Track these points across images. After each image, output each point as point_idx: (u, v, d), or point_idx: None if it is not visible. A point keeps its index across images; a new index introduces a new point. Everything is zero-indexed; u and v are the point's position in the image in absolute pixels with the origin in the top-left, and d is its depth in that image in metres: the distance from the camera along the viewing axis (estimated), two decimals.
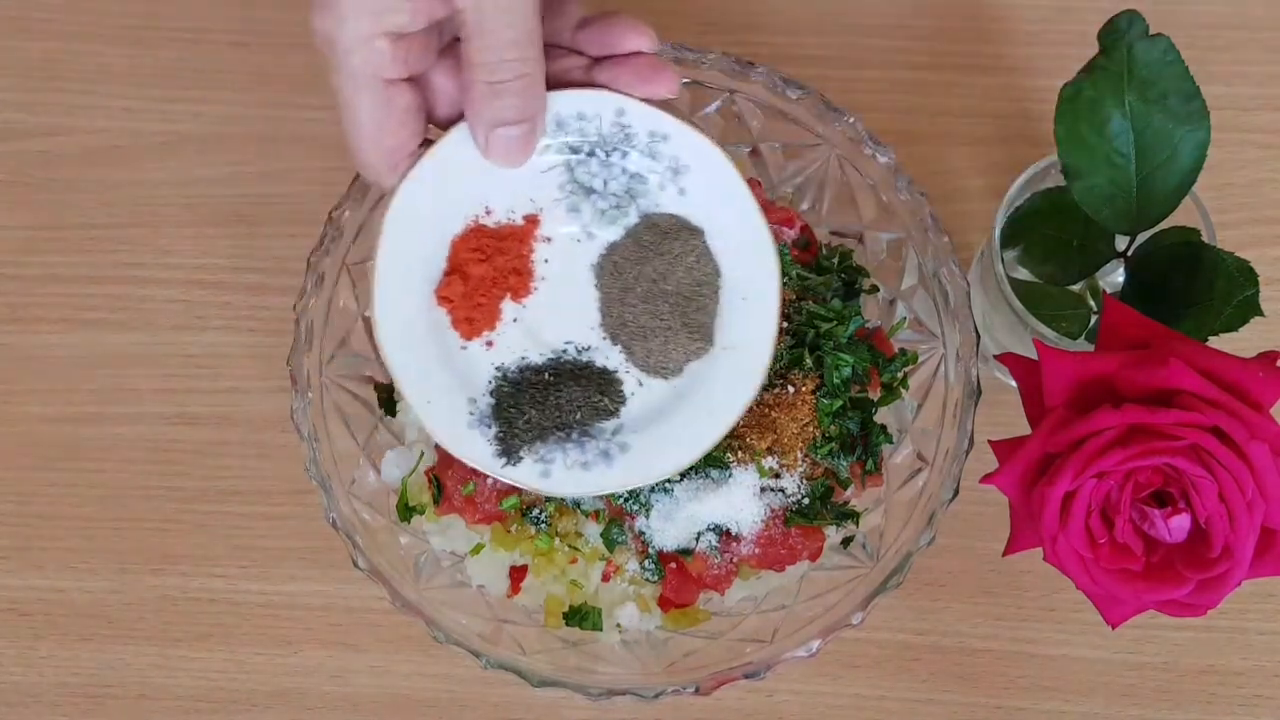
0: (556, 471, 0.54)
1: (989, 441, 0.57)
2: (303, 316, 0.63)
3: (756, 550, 0.62)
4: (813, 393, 0.62)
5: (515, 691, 0.68)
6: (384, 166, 0.51)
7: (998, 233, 0.64)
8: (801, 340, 0.62)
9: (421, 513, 0.65)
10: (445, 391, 0.53)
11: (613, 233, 0.54)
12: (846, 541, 0.66)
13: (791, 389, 0.61)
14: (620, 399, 0.54)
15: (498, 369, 0.54)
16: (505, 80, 0.48)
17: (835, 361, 0.62)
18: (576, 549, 0.63)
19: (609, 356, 0.54)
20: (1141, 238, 0.62)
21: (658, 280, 0.53)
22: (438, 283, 0.53)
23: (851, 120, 0.64)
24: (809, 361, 0.61)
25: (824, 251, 0.66)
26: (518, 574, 0.65)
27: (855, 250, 0.68)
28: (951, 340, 0.64)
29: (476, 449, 0.53)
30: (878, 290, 0.68)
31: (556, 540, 0.63)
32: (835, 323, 0.63)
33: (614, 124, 0.52)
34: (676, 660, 0.63)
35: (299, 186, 0.75)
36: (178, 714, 0.71)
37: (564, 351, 0.54)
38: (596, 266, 0.54)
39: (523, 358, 0.54)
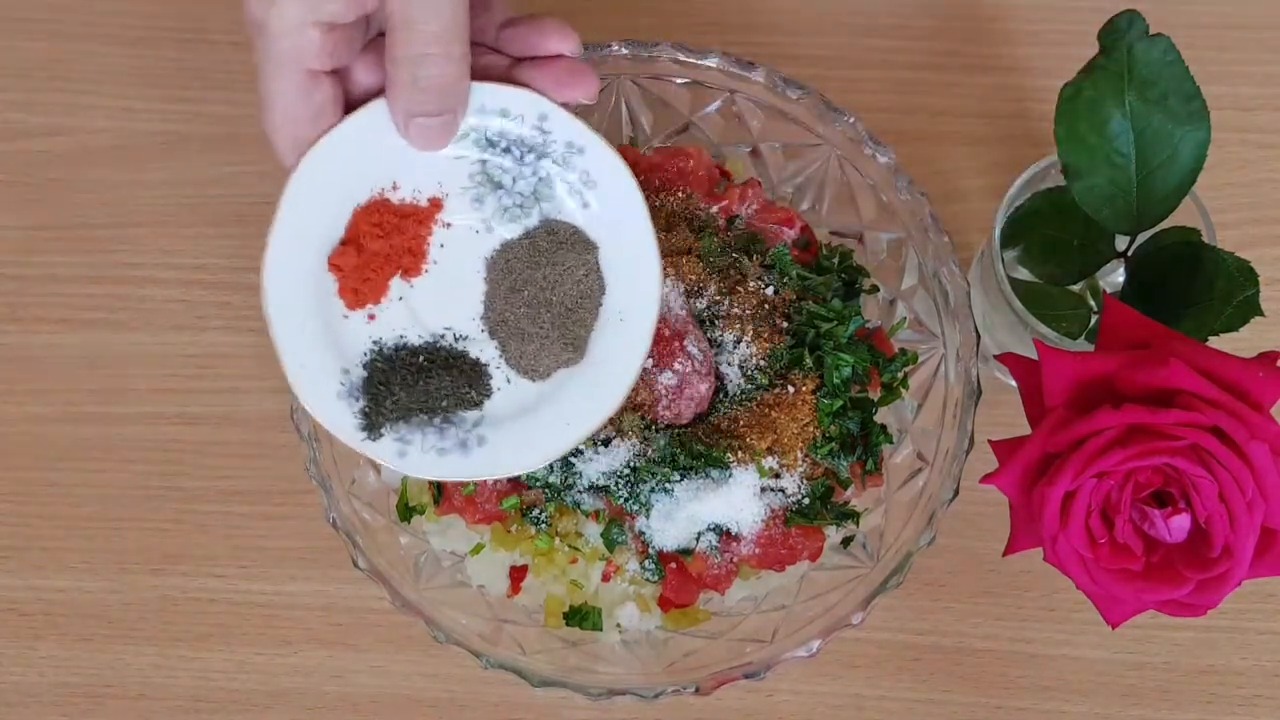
0: (413, 453, 0.54)
1: (989, 441, 0.57)
2: None
3: (756, 550, 0.62)
4: (813, 393, 0.62)
5: (515, 691, 0.68)
6: (290, 154, 0.51)
7: (998, 233, 0.64)
8: (801, 340, 0.62)
9: (421, 513, 0.65)
10: (319, 358, 0.53)
11: (511, 230, 0.54)
12: (846, 541, 0.66)
13: (791, 389, 0.61)
14: (486, 392, 0.55)
15: (375, 343, 0.54)
16: (428, 75, 0.49)
17: (835, 361, 0.62)
18: (576, 549, 0.63)
19: (483, 350, 0.55)
20: (1141, 238, 0.62)
21: (545, 288, 0.54)
22: (331, 249, 0.53)
23: (851, 120, 0.64)
24: (809, 361, 0.61)
25: (824, 251, 0.66)
26: (518, 574, 0.65)
27: (855, 250, 0.68)
28: (952, 340, 0.64)
29: (342, 420, 0.54)
30: (878, 290, 0.68)
31: (556, 540, 0.63)
32: (835, 323, 0.63)
33: (535, 127, 0.52)
34: (676, 660, 0.63)
35: None
36: (178, 714, 0.71)
37: (442, 337, 0.55)
38: (489, 261, 0.55)
39: (401, 336, 0.54)
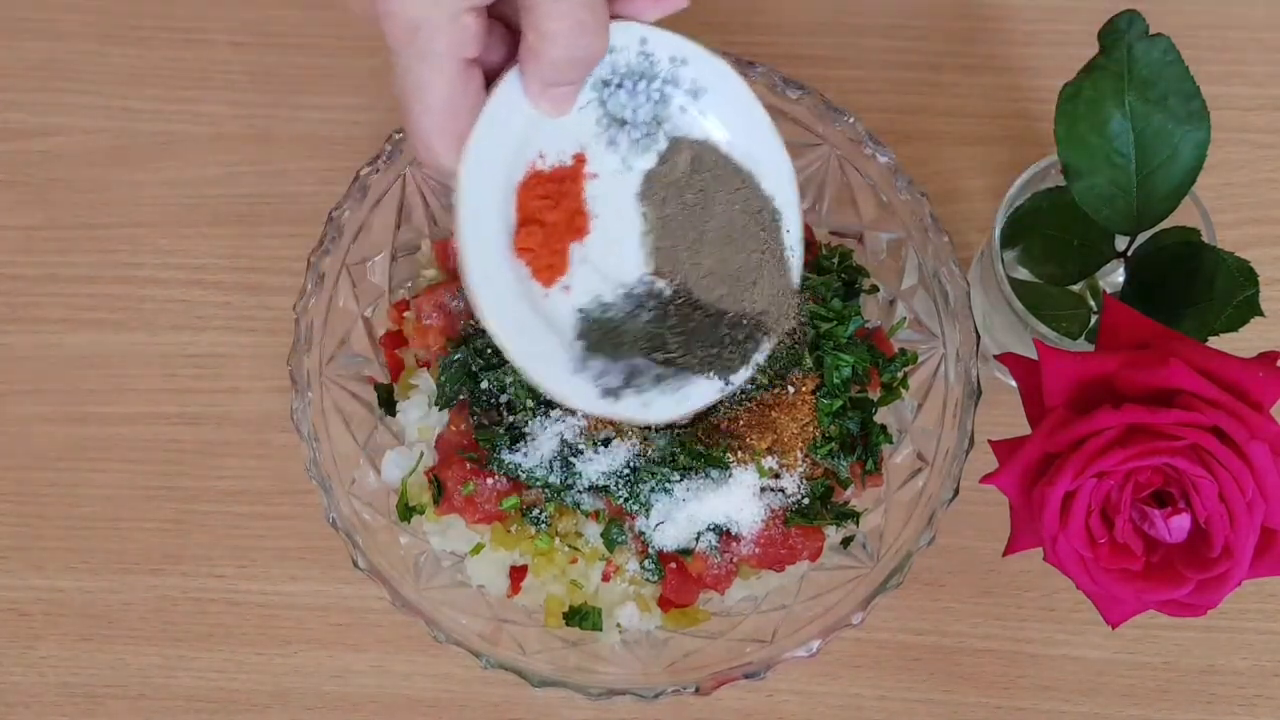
0: (652, 399, 0.55)
1: (989, 441, 0.57)
2: (302, 316, 0.63)
3: (756, 550, 0.62)
4: (813, 393, 0.62)
5: (515, 691, 0.69)
6: (453, 153, 0.50)
7: (998, 233, 0.64)
8: (801, 340, 0.62)
9: (421, 513, 0.65)
10: (542, 343, 0.53)
11: (647, 160, 0.55)
12: (846, 541, 0.66)
13: (791, 389, 0.61)
14: (684, 327, 0.55)
15: (580, 311, 0.54)
16: (578, 48, 0.48)
17: (835, 361, 0.62)
18: (576, 549, 0.63)
19: (666, 285, 0.55)
20: (1141, 238, 0.62)
21: (704, 218, 0.55)
22: (508, 235, 0.53)
23: (851, 120, 0.64)
24: (809, 361, 0.61)
25: (824, 251, 0.66)
26: (518, 574, 0.65)
27: (855, 250, 0.68)
28: (951, 340, 0.64)
29: (581, 392, 0.54)
30: (878, 290, 0.68)
31: (556, 540, 0.63)
32: (835, 323, 0.63)
33: (639, 53, 0.53)
34: (676, 660, 0.63)
35: (299, 186, 0.76)
36: (178, 714, 0.71)
37: (633, 288, 0.55)
38: (640, 196, 0.55)
39: (598, 297, 0.54)
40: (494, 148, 0.51)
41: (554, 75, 0.49)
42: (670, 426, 0.61)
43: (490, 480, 0.61)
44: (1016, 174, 0.65)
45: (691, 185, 0.54)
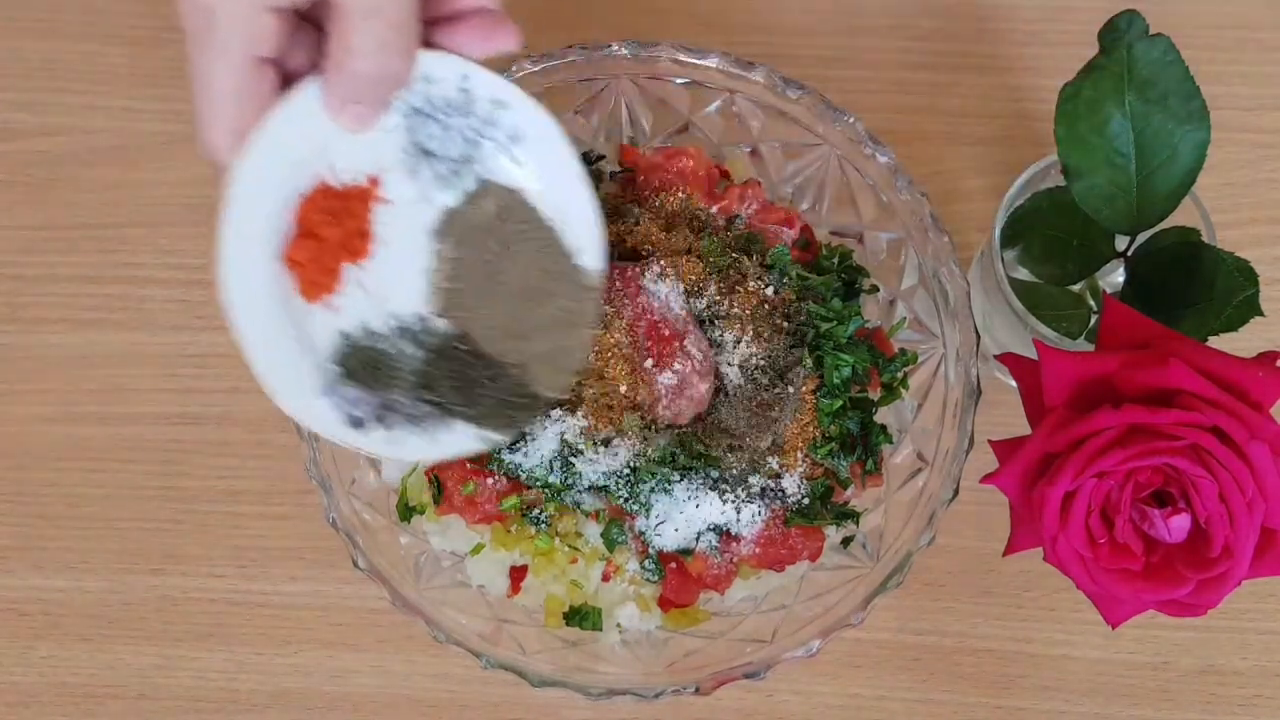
0: (399, 437, 0.54)
1: (989, 441, 0.57)
2: None
3: (756, 550, 0.62)
4: (813, 393, 0.62)
5: (515, 691, 0.68)
6: (229, 148, 0.49)
7: (998, 232, 0.64)
8: (801, 340, 0.62)
9: (421, 513, 0.65)
10: (292, 358, 0.52)
11: (451, 197, 0.54)
12: (846, 541, 0.66)
13: (791, 389, 0.61)
14: (461, 374, 0.54)
15: (344, 335, 0.53)
16: (382, 64, 0.47)
17: (835, 361, 0.62)
18: (576, 549, 0.63)
19: (445, 325, 0.54)
20: (1141, 238, 0.62)
21: (502, 268, 0.54)
22: (281, 244, 0.52)
23: (851, 120, 0.64)
24: (809, 361, 0.61)
25: (824, 251, 0.66)
26: (518, 574, 0.65)
27: (855, 250, 0.68)
28: (951, 340, 0.64)
29: (324, 417, 0.53)
30: (878, 290, 0.68)
31: (556, 540, 0.63)
32: (835, 323, 0.63)
33: (458, 89, 0.51)
34: (677, 660, 0.63)
35: None
36: (178, 714, 0.71)
37: (407, 321, 0.54)
38: (436, 233, 0.54)
39: (365, 324, 0.53)
40: (281, 151, 0.50)
41: (354, 91, 0.48)
42: (670, 426, 0.61)
43: (490, 480, 0.61)
44: (1016, 174, 0.65)
45: (494, 233, 0.53)
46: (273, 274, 0.52)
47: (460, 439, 0.54)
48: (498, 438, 0.55)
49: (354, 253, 0.53)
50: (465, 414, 0.54)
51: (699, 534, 0.61)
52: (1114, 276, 0.67)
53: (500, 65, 0.54)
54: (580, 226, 0.54)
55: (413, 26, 0.47)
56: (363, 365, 0.53)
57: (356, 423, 0.53)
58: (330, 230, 0.52)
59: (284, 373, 0.52)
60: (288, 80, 0.49)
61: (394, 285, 0.53)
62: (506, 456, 0.61)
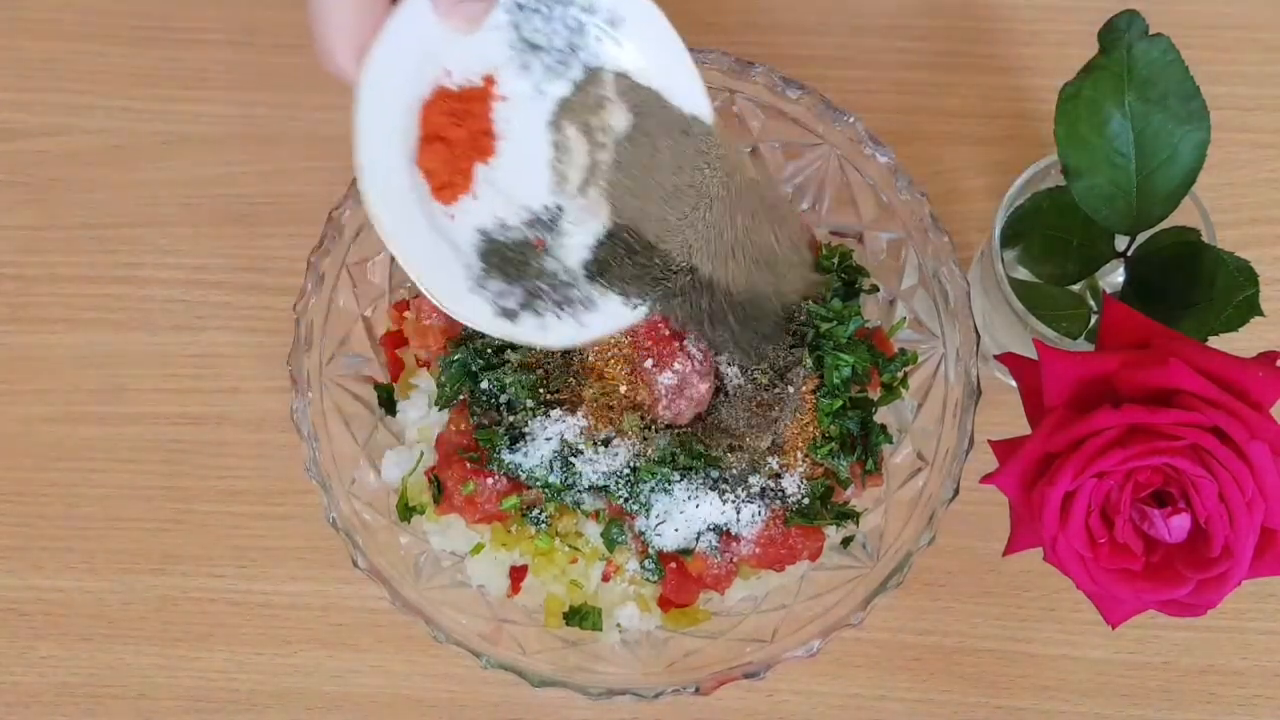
0: (551, 324, 0.55)
1: (989, 441, 0.57)
2: (303, 316, 0.63)
3: (756, 550, 0.62)
4: (813, 393, 0.62)
5: (515, 691, 0.68)
6: (355, 63, 0.50)
7: (998, 232, 0.64)
8: (801, 340, 0.62)
9: (421, 513, 0.65)
10: (439, 259, 0.53)
11: (561, 88, 0.54)
12: (846, 541, 0.66)
13: (791, 388, 0.61)
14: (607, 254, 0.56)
15: (480, 232, 0.54)
16: None
17: (835, 361, 0.62)
18: (576, 549, 0.63)
19: (573, 208, 0.55)
20: (1141, 237, 0.62)
21: (630, 149, 0.55)
22: (413, 152, 0.53)
23: (851, 120, 0.64)
24: (809, 361, 0.61)
25: (824, 251, 0.66)
26: (518, 574, 0.65)
27: (855, 250, 0.68)
28: (951, 340, 0.64)
29: (477, 311, 0.54)
30: (878, 290, 0.68)
31: (556, 540, 0.63)
32: (835, 323, 0.63)
33: None
34: (676, 660, 0.63)
35: (299, 186, 0.75)
36: (178, 714, 0.71)
37: (538, 214, 0.55)
38: (552, 123, 0.55)
39: (501, 220, 0.54)
40: (398, 61, 0.50)
41: None
42: (670, 426, 0.61)
43: (490, 480, 0.61)
44: (1016, 174, 0.65)
45: (610, 116, 0.54)
46: (409, 180, 0.53)
47: (606, 316, 0.56)
48: (644, 307, 0.56)
49: (482, 151, 0.54)
50: (610, 288, 0.56)
51: (699, 534, 0.61)
52: (1114, 276, 0.67)
53: None
54: (686, 95, 0.55)
55: None
56: (503, 258, 0.54)
57: (509, 314, 0.54)
58: (455, 132, 0.53)
59: (436, 274, 0.53)
60: None
61: (522, 178, 0.55)
62: (506, 456, 0.61)
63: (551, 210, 0.55)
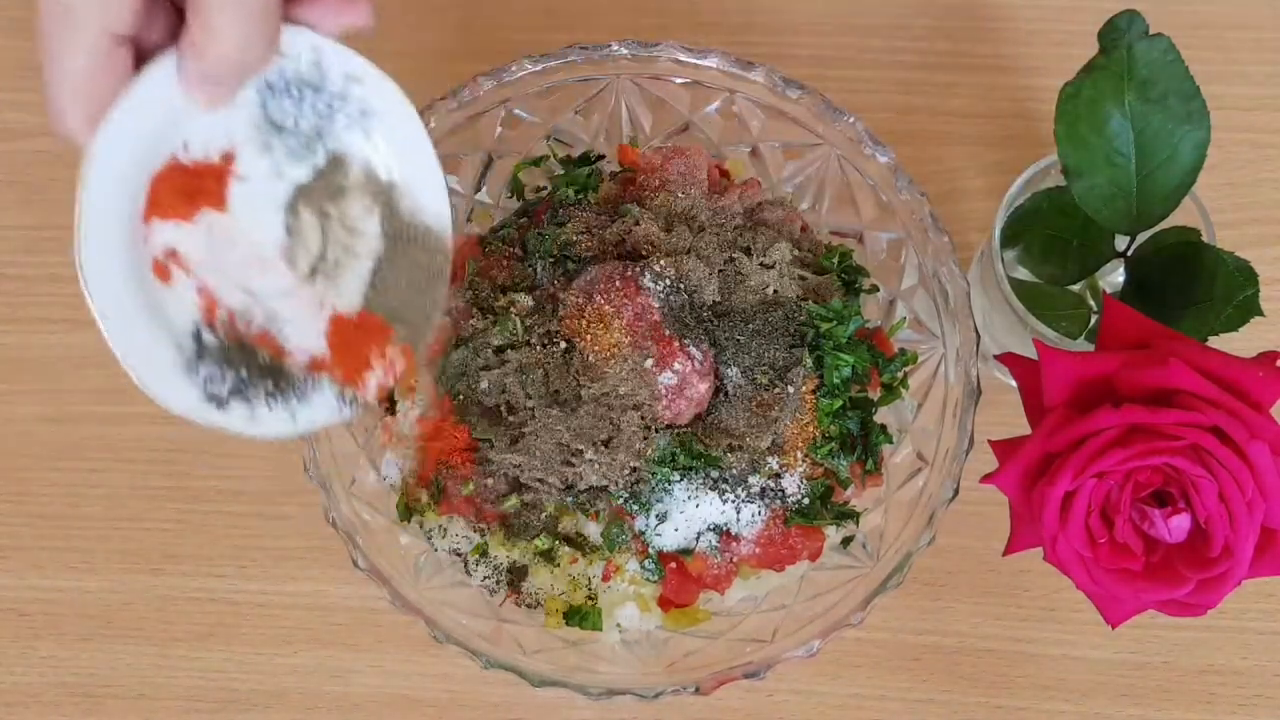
0: (260, 415, 0.54)
1: (989, 441, 0.57)
2: None
3: (756, 550, 0.62)
4: (813, 393, 0.62)
5: (515, 691, 0.68)
6: (84, 126, 0.48)
7: (998, 232, 0.64)
8: (801, 340, 0.62)
9: (422, 513, 0.65)
10: (150, 338, 0.52)
11: (301, 173, 0.54)
12: (846, 541, 0.66)
13: (791, 389, 0.61)
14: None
15: (197, 312, 0.53)
16: (244, 41, 0.46)
17: (835, 361, 0.62)
18: (577, 549, 0.63)
19: (298, 295, 0.55)
20: (1141, 237, 0.62)
21: (347, 237, 0.54)
22: (137, 225, 0.51)
23: (851, 120, 0.64)
24: (809, 361, 0.61)
25: (824, 251, 0.66)
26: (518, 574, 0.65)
27: (855, 250, 0.68)
28: (951, 340, 0.64)
29: (185, 396, 0.53)
30: (878, 290, 0.68)
31: (556, 540, 0.62)
32: (835, 322, 0.62)
33: (311, 63, 0.52)
34: (676, 660, 0.63)
35: None
36: (178, 714, 0.71)
37: (260, 297, 0.54)
38: (288, 207, 0.54)
39: (221, 299, 0.53)
40: (134, 128, 0.49)
41: (213, 72, 0.48)
42: (670, 426, 0.61)
43: (490, 480, 0.61)
44: (1016, 174, 0.65)
45: (344, 205, 0.54)
46: (129, 255, 0.51)
47: (317, 410, 0.54)
48: (356, 406, 0.55)
49: (214, 203, 0.53)
50: (323, 382, 0.55)
51: (699, 534, 0.61)
52: (1114, 276, 0.67)
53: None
54: (428, 200, 0.55)
55: (276, 10, 0.47)
56: (219, 341, 0.53)
57: (216, 400, 0.53)
58: (181, 208, 0.52)
59: (144, 353, 0.52)
60: (141, 58, 0.48)
61: (248, 259, 0.54)
62: (506, 456, 0.61)
63: (274, 295, 0.54)
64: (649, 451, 0.60)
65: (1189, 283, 0.59)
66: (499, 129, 0.68)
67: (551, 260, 0.63)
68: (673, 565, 0.62)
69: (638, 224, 0.63)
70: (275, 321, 0.54)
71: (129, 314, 0.52)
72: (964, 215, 0.75)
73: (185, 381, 0.53)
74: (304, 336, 0.54)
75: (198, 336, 0.53)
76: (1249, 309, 0.57)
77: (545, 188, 0.69)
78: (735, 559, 0.62)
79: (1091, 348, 0.60)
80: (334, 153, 0.54)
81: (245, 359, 0.53)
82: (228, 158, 0.52)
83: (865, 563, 0.64)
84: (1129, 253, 0.63)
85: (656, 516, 0.61)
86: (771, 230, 0.65)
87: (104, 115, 0.48)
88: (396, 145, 0.54)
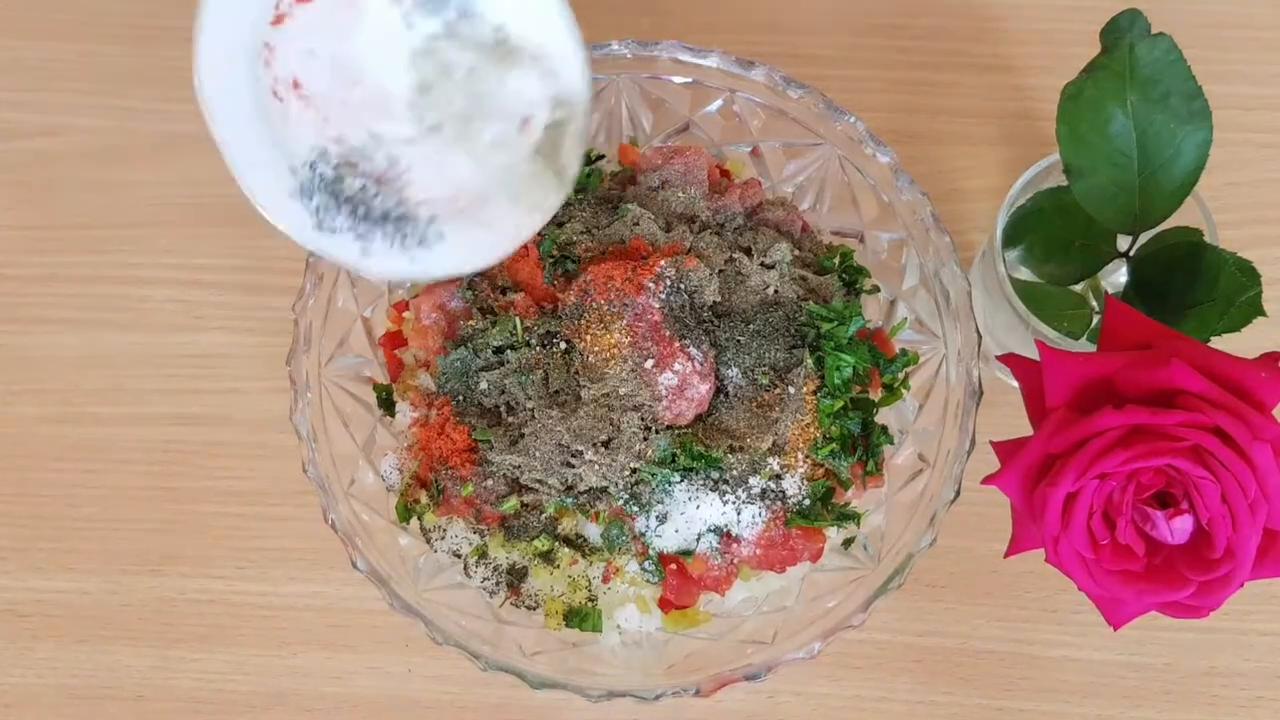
0: (376, 249, 0.54)
1: (990, 442, 0.57)
2: (302, 317, 0.63)
3: (757, 551, 0.62)
4: (813, 393, 0.61)
5: (515, 693, 0.68)
6: None
7: (999, 232, 0.64)
8: (802, 340, 0.62)
9: (421, 514, 0.65)
10: (266, 157, 0.53)
11: (431, 24, 0.53)
12: (847, 543, 0.65)
13: (792, 389, 0.61)
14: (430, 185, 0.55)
15: (318, 144, 0.53)
16: None
17: (836, 362, 0.62)
18: (577, 549, 0.62)
19: (421, 145, 0.54)
20: (1143, 237, 0.62)
21: (477, 100, 0.54)
22: (261, 49, 0.52)
23: (852, 120, 0.64)
24: (810, 362, 0.61)
25: (825, 251, 0.66)
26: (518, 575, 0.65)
27: (856, 250, 0.68)
28: (953, 340, 0.64)
29: (295, 219, 0.53)
30: (879, 290, 0.68)
31: (556, 541, 0.62)
32: (836, 323, 0.62)
33: None
34: (677, 662, 0.63)
35: None
36: (177, 715, 0.71)
37: (381, 138, 0.54)
38: (415, 57, 0.53)
39: (341, 134, 0.54)
40: None
41: None
42: (671, 427, 0.61)
43: (490, 481, 0.61)
44: (1018, 174, 0.65)
45: (474, 60, 0.53)
46: (250, 75, 0.52)
47: (442, 258, 0.54)
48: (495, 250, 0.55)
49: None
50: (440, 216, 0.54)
51: (699, 535, 0.61)
52: (1116, 277, 0.67)
53: None
54: (561, 61, 0.54)
55: None
56: (336, 173, 0.53)
57: (328, 228, 0.53)
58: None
59: (260, 172, 0.53)
60: None
61: (370, 100, 0.53)
62: (506, 457, 0.61)
63: (397, 141, 0.54)
64: (649, 452, 0.60)
65: (1191, 283, 0.59)
66: None
67: (551, 260, 0.63)
68: (673, 567, 0.62)
69: (638, 224, 0.62)
70: (396, 166, 0.54)
71: (245, 132, 0.52)
72: (965, 215, 0.75)
73: (298, 205, 0.53)
74: (424, 186, 0.54)
75: (313, 166, 0.53)
76: (1251, 309, 0.57)
77: None
78: (736, 560, 0.62)
79: (1093, 348, 0.60)
80: (463, 6, 0.53)
81: (363, 196, 0.53)
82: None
83: (866, 564, 0.64)
84: (1131, 253, 0.63)
85: (657, 518, 0.61)
86: (772, 230, 0.65)
87: None
88: (532, 11, 0.53)
